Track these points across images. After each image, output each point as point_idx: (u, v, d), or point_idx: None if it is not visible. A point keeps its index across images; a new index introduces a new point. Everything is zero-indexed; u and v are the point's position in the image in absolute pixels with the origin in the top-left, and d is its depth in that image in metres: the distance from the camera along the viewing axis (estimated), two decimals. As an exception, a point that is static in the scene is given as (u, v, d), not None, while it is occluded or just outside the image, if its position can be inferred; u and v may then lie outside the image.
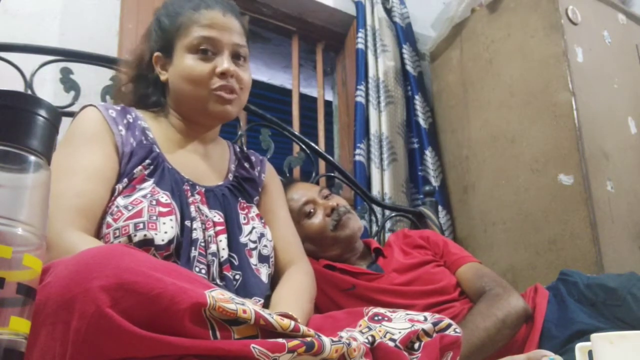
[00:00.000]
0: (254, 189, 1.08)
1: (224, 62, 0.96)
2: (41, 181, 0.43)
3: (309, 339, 0.56)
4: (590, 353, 0.70)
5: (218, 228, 0.92)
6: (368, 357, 0.63)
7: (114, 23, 1.66)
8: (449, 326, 0.76)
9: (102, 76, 1.43)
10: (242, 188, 1.05)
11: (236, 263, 0.92)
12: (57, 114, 0.46)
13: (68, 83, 1.35)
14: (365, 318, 0.76)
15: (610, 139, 1.79)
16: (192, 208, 0.90)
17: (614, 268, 1.53)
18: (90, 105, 0.96)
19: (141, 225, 0.80)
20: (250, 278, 0.93)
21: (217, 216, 0.94)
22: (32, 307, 0.42)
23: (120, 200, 0.84)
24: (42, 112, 0.44)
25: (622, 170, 1.78)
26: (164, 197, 0.86)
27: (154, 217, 0.82)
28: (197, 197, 0.94)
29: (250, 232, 0.98)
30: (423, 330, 0.72)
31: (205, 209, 0.93)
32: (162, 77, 1.02)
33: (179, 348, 0.49)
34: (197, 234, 0.88)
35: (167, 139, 1.00)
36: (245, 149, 1.18)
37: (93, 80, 1.44)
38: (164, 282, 0.51)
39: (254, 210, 1.03)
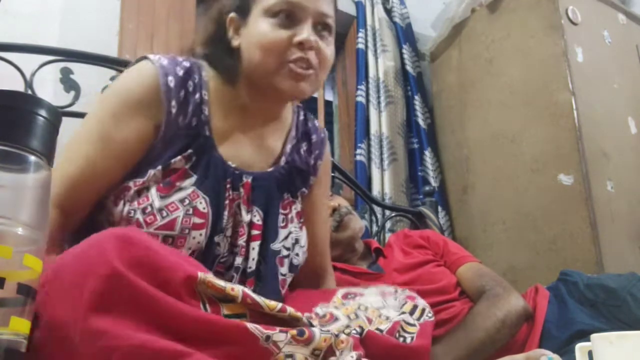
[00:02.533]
0: (304, 181, 0.97)
1: (304, 31, 0.83)
2: (41, 181, 0.43)
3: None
4: (590, 353, 0.70)
5: (254, 232, 0.85)
6: (357, 349, 0.63)
7: (114, 23, 1.66)
8: (423, 311, 0.78)
9: (103, 76, 1.43)
10: (291, 179, 0.94)
11: (263, 274, 0.85)
12: (57, 114, 0.46)
13: (68, 83, 1.35)
14: (339, 295, 0.76)
15: (610, 139, 1.79)
16: (226, 214, 0.81)
17: (614, 268, 1.52)
18: (150, 61, 0.82)
19: (170, 240, 0.76)
20: (270, 295, 0.75)
21: (257, 216, 0.86)
22: (33, 307, 0.42)
23: (157, 201, 0.76)
24: (43, 112, 0.44)
25: (622, 170, 1.78)
26: (202, 203, 0.79)
27: (186, 231, 0.76)
28: (241, 191, 0.84)
29: (286, 238, 0.89)
30: (404, 321, 0.74)
31: (244, 210, 0.84)
32: (235, 42, 0.88)
33: (188, 317, 0.51)
34: (220, 250, 0.81)
35: (225, 114, 0.87)
36: (309, 119, 1.04)
37: (93, 80, 1.44)
38: (167, 258, 0.54)
39: (296, 208, 0.94)
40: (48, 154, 0.44)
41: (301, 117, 1.01)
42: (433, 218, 1.88)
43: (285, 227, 0.89)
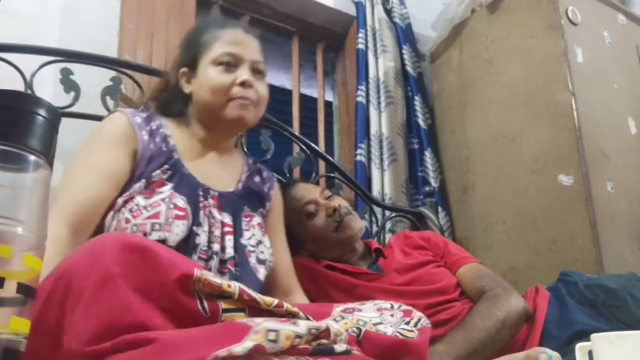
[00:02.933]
0: (260, 201, 1.16)
1: (244, 74, 1.05)
2: (41, 181, 0.43)
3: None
4: (590, 353, 0.70)
5: (226, 229, 1.01)
6: (353, 344, 0.65)
7: (114, 23, 1.66)
8: (419, 320, 0.81)
9: (103, 77, 1.43)
10: (249, 198, 1.13)
11: (238, 261, 1.00)
12: (57, 114, 0.46)
13: (68, 83, 1.35)
14: (338, 310, 0.79)
15: (610, 139, 1.79)
16: (202, 213, 0.98)
17: (614, 268, 1.52)
18: (119, 112, 1.04)
19: (157, 227, 0.89)
20: (249, 275, 1.01)
21: (227, 218, 1.03)
22: (32, 307, 0.42)
23: (141, 201, 0.92)
24: (42, 112, 0.44)
25: (622, 171, 1.78)
26: (181, 201, 0.95)
27: (170, 220, 0.91)
28: (211, 201, 1.02)
29: (250, 238, 1.06)
30: (402, 329, 0.77)
31: (215, 212, 1.01)
32: (187, 90, 1.11)
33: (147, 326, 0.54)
34: (200, 240, 0.96)
35: (186, 146, 1.07)
36: (259, 164, 1.26)
37: (93, 80, 1.44)
38: (163, 258, 0.58)
39: (256, 220, 1.11)
40: (47, 153, 0.44)
41: (250, 161, 1.24)
42: (433, 218, 1.88)
43: (248, 230, 1.07)
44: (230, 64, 1.06)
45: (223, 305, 0.58)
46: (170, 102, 1.13)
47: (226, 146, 1.15)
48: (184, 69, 1.12)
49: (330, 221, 1.31)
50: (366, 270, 1.33)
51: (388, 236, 1.89)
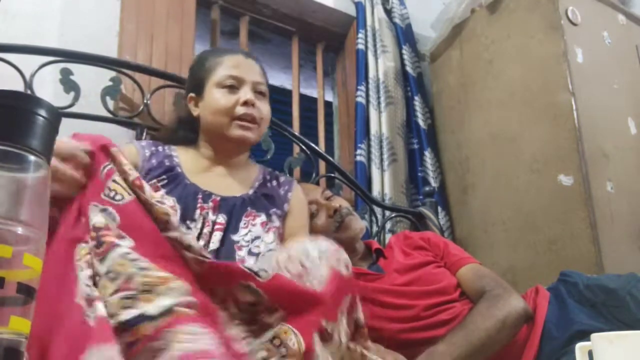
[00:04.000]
0: (273, 204, 1.18)
1: (247, 94, 1.14)
2: (41, 180, 0.43)
3: None
4: (590, 353, 0.70)
5: (216, 227, 1.06)
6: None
7: (114, 23, 1.66)
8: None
9: (102, 77, 1.43)
10: (258, 201, 1.16)
11: (222, 254, 1.03)
12: (57, 114, 0.46)
13: (68, 84, 1.35)
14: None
15: (610, 140, 1.79)
16: (198, 212, 1.05)
17: (614, 268, 1.52)
18: (129, 142, 1.18)
19: None
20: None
21: (220, 218, 1.07)
22: (33, 307, 0.42)
23: None
24: (42, 112, 0.44)
25: (622, 171, 1.78)
26: (170, 200, 1.00)
27: None
28: (210, 204, 1.07)
29: (246, 235, 1.09)
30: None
31: (211, 213, 1.06)
32: (195, 113, 1.20)
33: None
34: (191, 234, 1.01)
35: (193, 164, 1.16)
36: (278, 173, 1.31)
37: (93, 81, 1.44)
38: None
39: (260, 219, 1.13)
40: (48, 153, 0.44)
41: (268, 171, 1.29)
42: (433, 218, 1.88)
43: (245, 227, 1.10)
44: (234, 86, 1.15)
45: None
46: (179, 129, 1.24)
47: (235, 162, 1.21)
48: (191, 94, 1.21)
49: (331, 221, 1.31)
50: (367, 270, 1.33)
51: (388, 236, 1.89)
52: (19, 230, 0.41)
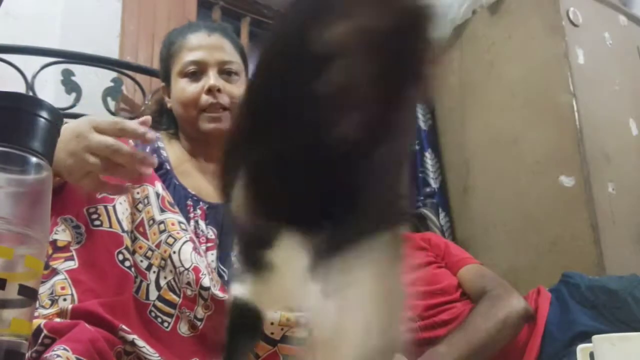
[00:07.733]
0: None
1: (210, 79, 1.01)
2: (43, 182, 0.43)
3: None
4: (591, 354, 0.70)
5: (209, 244, 0.98)
6: None
7: (115, 25, 1.66)
8: None
9: (104, 78, 1.43)
10: None
11: (226, 278, 0.94)
12: (58, 115, 0.46)
13: (69, 85, 1.35)
14: None
15: (612, 141, 1.79)
16: (192, 223, 0.97)
17: (615, 270, 1.52)
18: None
19: None
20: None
21: (210, 232, 0.99)
22: (34, 309, 0.42)
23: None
24: (44, 114, 0.44)
25: (623, 172, 1.77)
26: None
27: None
28: (198, 212, 0.99)
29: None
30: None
31: (202, 223, 0.99)
32: (168, 105, 1.11)
33: None
34: None
35: (177, 158, 1.06)
36: None
37: (94, 82, 1.44)
38: None
39: None
40: (49, 155, 0.44)
41: None
42: (434, 219, 1.88)
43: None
44: (196, 72, 1.03)
45: None
46: (160, 117, 1.13)
47: (215, 153, 1.10)
48: (163, 84, 1.12)
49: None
50: (367, 271, 1.33)
51: (389, 237, 1.89)
52: (21, 232, 0.41)
